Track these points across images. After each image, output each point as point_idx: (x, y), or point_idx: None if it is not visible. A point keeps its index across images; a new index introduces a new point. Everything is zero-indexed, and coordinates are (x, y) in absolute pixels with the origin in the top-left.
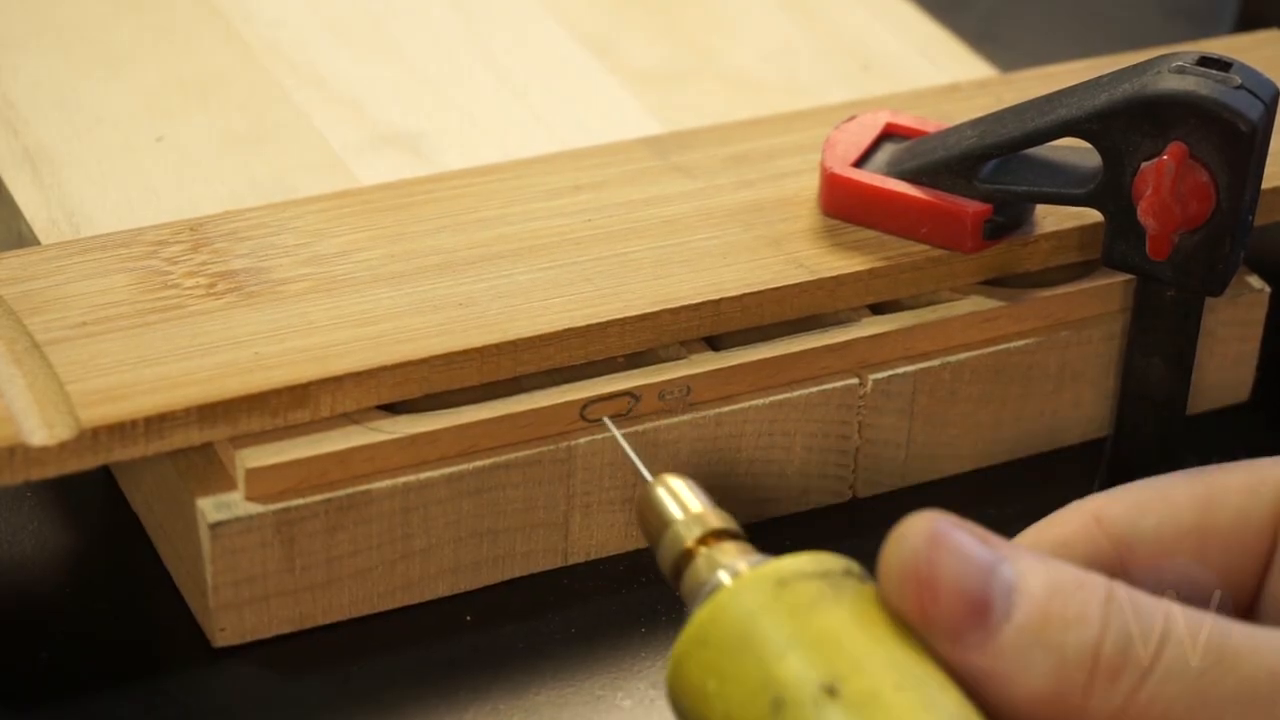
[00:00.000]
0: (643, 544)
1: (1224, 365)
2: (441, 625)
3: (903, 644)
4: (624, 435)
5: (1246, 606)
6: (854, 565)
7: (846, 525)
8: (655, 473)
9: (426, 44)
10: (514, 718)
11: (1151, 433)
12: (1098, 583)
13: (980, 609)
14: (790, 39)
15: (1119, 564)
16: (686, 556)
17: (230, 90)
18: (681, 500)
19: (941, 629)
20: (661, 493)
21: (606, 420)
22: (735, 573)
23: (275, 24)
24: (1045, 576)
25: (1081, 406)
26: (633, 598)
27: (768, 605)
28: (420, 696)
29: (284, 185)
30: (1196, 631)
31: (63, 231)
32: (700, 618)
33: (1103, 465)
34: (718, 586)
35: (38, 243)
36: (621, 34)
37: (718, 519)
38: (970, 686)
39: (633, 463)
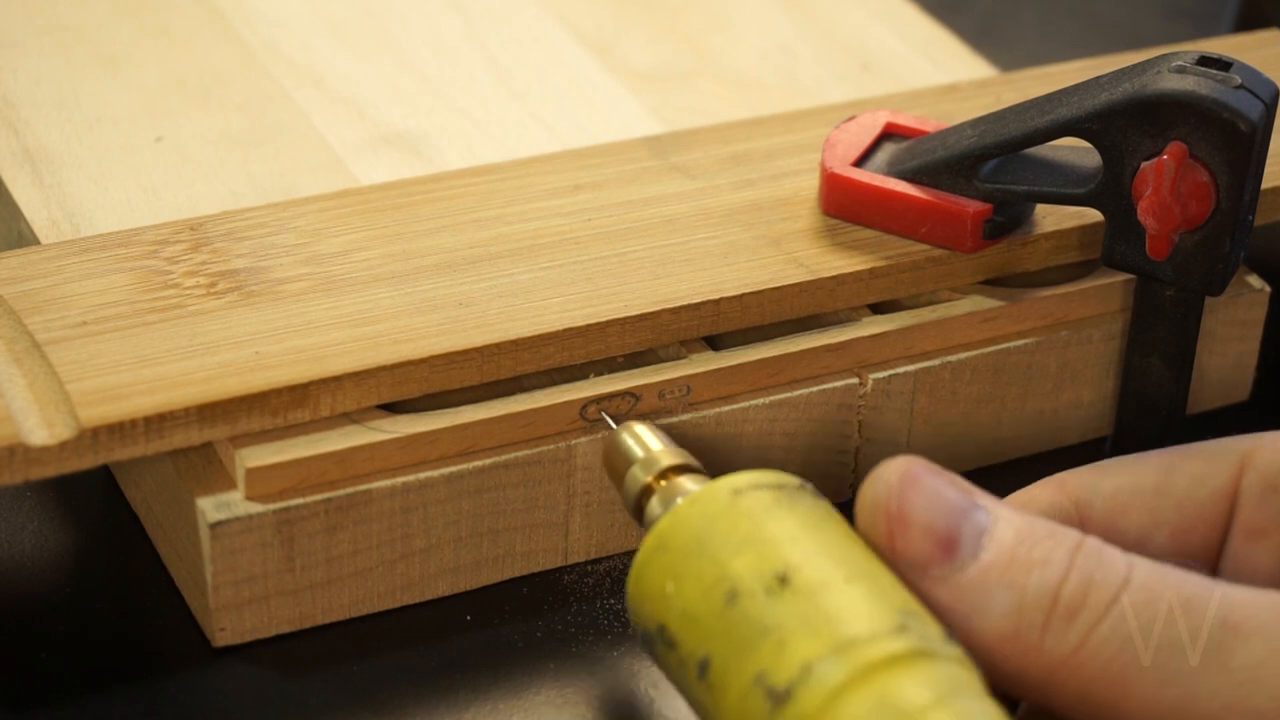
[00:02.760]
0: None
1: (1224, 365)
2: (441, 625)
3: (856, 546)
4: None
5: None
6: (809, 484)
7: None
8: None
9: (426, 44)
10: (514, 718)
11: (1151, 433)
12: (1070, 534)
13: (948, 546)
14: (790, 39)
15: (1079, 524)
16: (646, 492)
17: (230, 90)
18: (643, 442)
19: (909, 561)
20: (625, 437)
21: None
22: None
23: (275, 24)
24: (1018, 525)
25: (1081, 406)
26: None
27: (723, 511)
28: (420, 696)
29: (284, 185)
30: (1158, 579)
31: (63, 231)
32: (660, 526)
33: None
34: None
35: (38, 242)
36: (621, 34)
37: (676, 456)
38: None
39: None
